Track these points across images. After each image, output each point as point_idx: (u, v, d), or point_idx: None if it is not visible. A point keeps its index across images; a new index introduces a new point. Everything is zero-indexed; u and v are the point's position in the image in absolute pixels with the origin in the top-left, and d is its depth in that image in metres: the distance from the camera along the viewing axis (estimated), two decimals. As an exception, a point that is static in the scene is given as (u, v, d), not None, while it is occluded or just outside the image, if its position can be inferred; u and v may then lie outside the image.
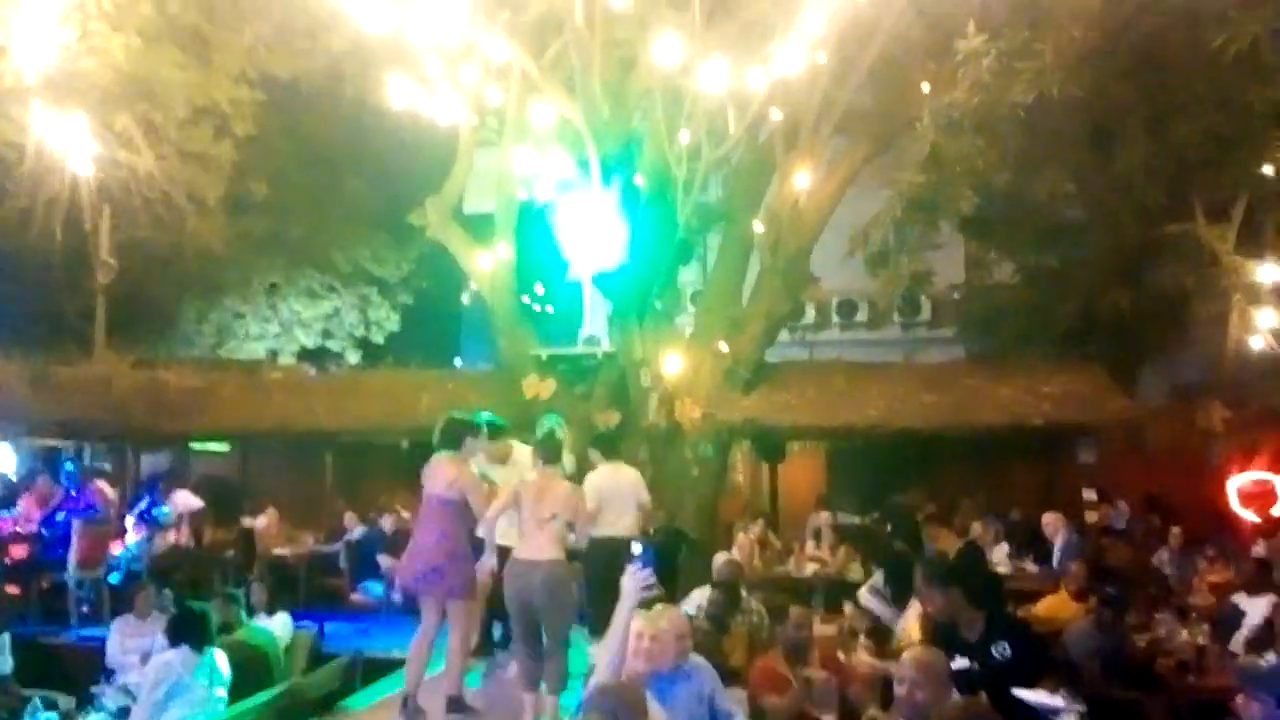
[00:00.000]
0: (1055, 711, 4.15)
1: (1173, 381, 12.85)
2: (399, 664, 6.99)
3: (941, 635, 4.48)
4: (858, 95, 9.69)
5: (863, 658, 6.29)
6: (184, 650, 5.69)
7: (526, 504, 5.30)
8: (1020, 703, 4.08)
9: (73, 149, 9.68)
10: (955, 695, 3.78)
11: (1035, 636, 4.68)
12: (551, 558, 5.24)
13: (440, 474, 5.55)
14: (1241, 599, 7.43)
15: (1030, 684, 4.17)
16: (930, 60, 8.89)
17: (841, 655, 6.12)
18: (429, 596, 5.61)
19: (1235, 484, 10.83)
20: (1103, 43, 8.78)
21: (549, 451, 5.59)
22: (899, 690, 3.74)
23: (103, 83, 9.97)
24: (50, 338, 12.46)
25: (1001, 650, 4.25)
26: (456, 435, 5.64)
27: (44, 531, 9.68)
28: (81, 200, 11.24)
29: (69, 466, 12.13)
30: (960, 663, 4.24)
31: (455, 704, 5.53)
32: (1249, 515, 10.59)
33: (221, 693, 5.77)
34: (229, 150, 11.89)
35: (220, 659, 5.89)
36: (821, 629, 6.58)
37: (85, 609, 9.39)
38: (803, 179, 9.42)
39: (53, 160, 10.14)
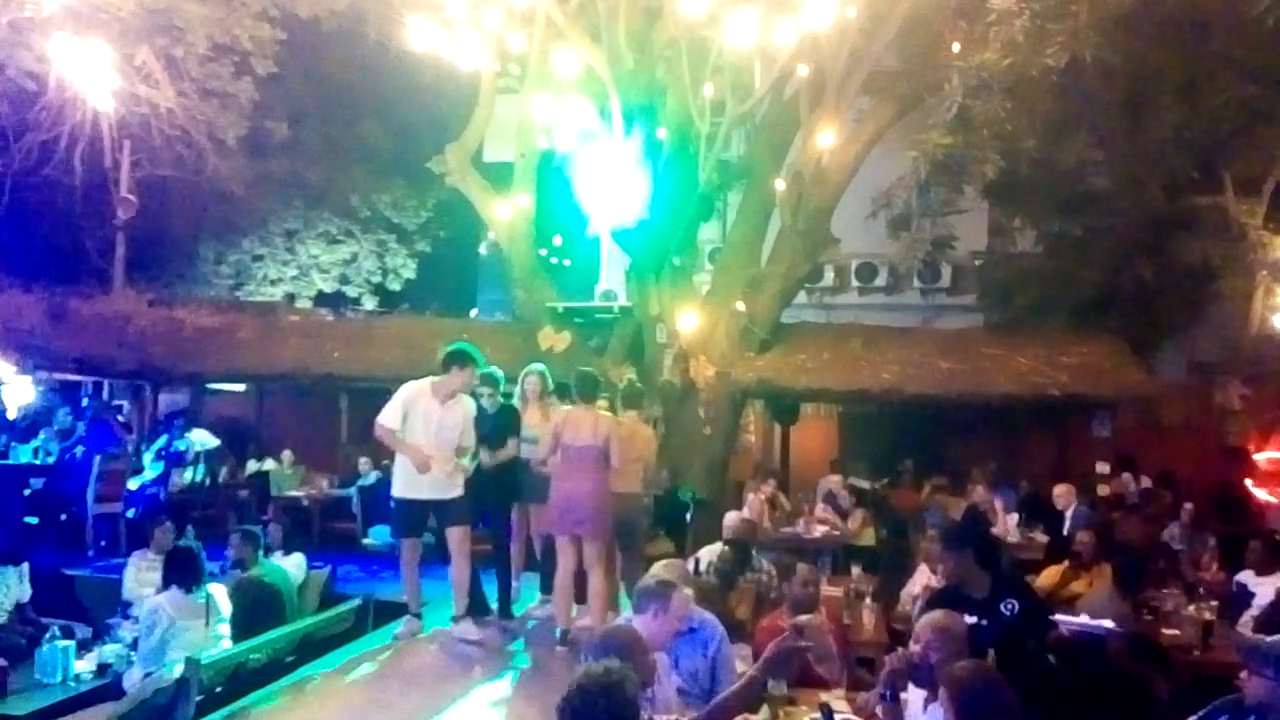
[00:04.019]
0: (1105, 633, 4.58)
1: (1192, 357, 12.73)
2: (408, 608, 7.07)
3: (948, 595, 4.57)
4: (886, 53, 9.50)
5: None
6: (173, 592, 5.58)
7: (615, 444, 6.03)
8: (1026, 662, 4.21)
9: (93, 82, 9.60)
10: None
11: (1036, 594, 4.98)
12: (637, 491, 6.32)
13: (585, 426, 5.82)
14: (1250, 578, 7.41)
15: (1038, 637, 4.39)
16: (962, 19, 8.68)
17: (846, 618, 6.17)
18: (570, 538, 5.92)
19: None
20: (1139, 6, 8.56)
21: (633, 397, 6.62)
22: (912, 649, 3.74)
23: (124, 14, 9.87)
24: (70, 273, 12.49)
25: (1010, 607, 4.42)
26: (592, 389, 6.01)
27: (63, 464, 9.80)
28: (102, 135, 11.21)
29: (85, 403, 12.26)
30: (969, 619, 4.36)
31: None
32: (1262, 495, 10.54)
33: (224, 629, 5.75)
34: (249, 89, 11.79)
35: (220, 596, 5.83)
36: (828, 590, 6.62)
37: (102, 542, 9.53)
38: (827, 138, 9.28)
39: (73, 93, 10.09)
